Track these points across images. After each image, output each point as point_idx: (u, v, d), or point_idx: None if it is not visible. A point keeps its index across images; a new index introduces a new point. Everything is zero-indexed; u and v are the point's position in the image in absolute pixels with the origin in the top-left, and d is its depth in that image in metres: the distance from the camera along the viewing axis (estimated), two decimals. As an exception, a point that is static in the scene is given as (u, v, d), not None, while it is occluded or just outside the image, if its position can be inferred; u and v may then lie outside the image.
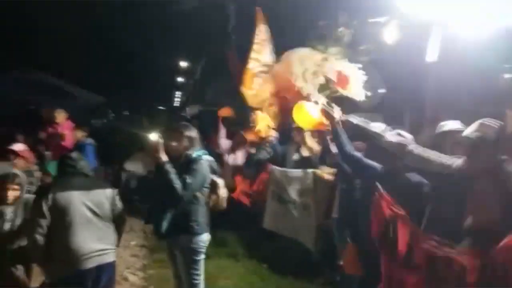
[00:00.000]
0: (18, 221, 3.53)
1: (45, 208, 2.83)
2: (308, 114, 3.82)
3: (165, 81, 32.31)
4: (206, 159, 3.55)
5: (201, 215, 3.50)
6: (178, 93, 34.38)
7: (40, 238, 2.83)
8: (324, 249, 4.90)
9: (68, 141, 6.66)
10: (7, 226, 3.53)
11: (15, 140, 6.78)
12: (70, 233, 2.87)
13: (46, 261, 2.93)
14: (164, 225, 3.36)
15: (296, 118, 4.03)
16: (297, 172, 5.42)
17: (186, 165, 3.40)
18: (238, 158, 6.99)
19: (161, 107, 24.57)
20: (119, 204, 3.25)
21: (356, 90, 4.09)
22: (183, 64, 28.06)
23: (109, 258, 3.02)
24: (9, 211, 3.55)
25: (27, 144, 5.95)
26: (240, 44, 13.96)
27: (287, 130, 5.97)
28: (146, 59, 26.35)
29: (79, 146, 6.60)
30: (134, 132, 9.22)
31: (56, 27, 19.26)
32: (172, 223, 3.38)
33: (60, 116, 6.82)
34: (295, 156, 5.75)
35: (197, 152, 3.50)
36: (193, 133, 3.56)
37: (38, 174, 5.54)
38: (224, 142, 7.29)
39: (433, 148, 3.01)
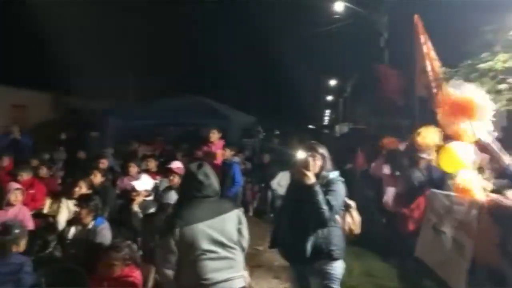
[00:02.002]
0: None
1: (172, 243, 2.81)
2: (457, 156, 3.65)
3: (315, 100, 32.84)
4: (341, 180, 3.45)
5: (340, 239, 3.39)
6: (327, 112, 34.50)
7: (169, 272, 2.85)
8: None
9: (219, 160, 7.05)
10: None
11: (176, 158, 7.56)
12: (196, 266, 2.83)
13: None
14: (309, 249, 3.26)
15: (442, 160, 3.84)
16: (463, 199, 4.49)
17: (324, 186, 3.30)
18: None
19: (310, 126, 24.90)
20: (244, 224, 3.12)
21: None
22: (333, 82, 28.08)
23: (237, 284, 2.94)
24: None
25: (184, 162, 6.48)
26: (393, 57, 13.33)
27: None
28: (297, 79, 27.16)
29: (226, 165, 6.93)
30: (281, 151, 9.40)
31: (211, 56, 21.54)
32: (312, 247, 3.28)
33: (214, 135, 7.27)
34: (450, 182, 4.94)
35: (332, 172, 3.42)
36: (325, 152, 3.48)
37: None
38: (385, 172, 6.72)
39: None
